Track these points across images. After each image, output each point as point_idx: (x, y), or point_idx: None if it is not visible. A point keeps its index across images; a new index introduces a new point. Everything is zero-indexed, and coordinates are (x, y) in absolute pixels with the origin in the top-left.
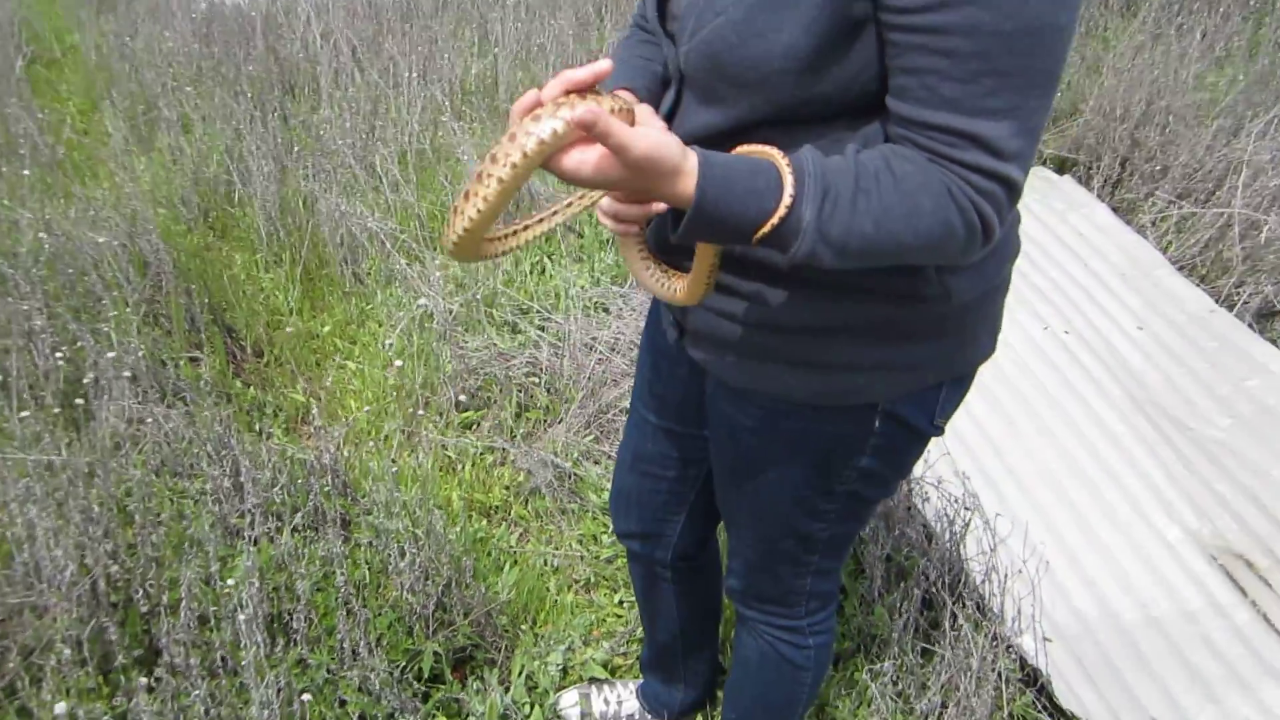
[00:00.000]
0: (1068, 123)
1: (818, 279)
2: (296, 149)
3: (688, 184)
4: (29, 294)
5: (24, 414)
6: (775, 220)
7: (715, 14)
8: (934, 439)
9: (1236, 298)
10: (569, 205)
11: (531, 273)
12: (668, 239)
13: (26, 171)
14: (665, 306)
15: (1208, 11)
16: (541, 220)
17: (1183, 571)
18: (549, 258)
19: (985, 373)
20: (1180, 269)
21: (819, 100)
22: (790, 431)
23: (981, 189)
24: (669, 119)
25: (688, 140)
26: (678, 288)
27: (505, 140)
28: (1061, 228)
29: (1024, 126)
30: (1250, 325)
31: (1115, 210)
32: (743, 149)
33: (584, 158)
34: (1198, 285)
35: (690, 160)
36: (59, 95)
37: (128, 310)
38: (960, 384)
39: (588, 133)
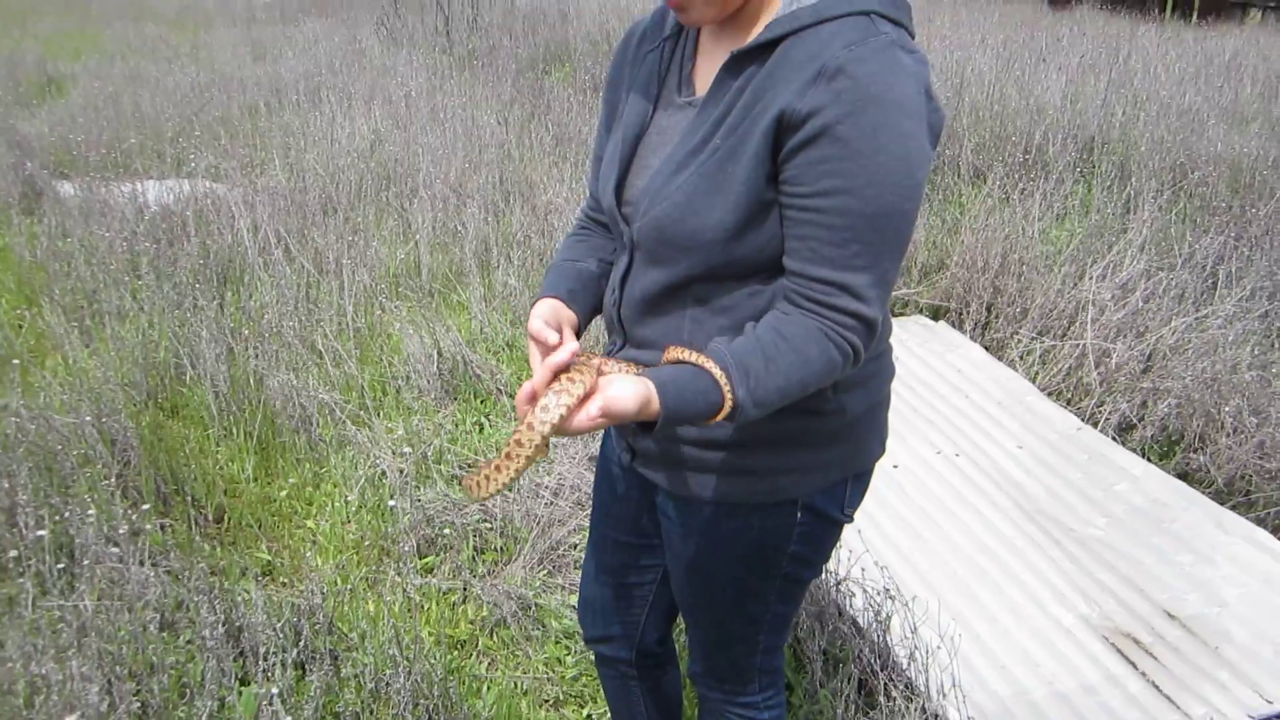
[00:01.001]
0: (937, 276)
1: None
2: (245, 333)
3: (654, 407)
4: (13, 472)
5: (20, 579)
6: (724, 410)
7: (664, 199)
8: (846, 525)
9: (1099, 415)
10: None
11: (472, 430)
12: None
13: None
14: (617, 435)
15: (1044, 178)
16: (513, 459)
17: (1080, 651)
18: (486, 418)
19: (891, 493)
20: (1048, 394)
21: (741, 261)
22: (731, 529)
23: (847, 325)
24: (624, 279)
25: (639, 296)
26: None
27: (524, 427)
28: (942, 366)
29: (880, 279)
30: (1113, 438)
31: (987, 348)
32: (671, 355)
33: (589, 419)
34: (1064, 407)
35: (650, 388)
36: None
37: (105, 484)
38: (860, 479)
39: (606, 420)
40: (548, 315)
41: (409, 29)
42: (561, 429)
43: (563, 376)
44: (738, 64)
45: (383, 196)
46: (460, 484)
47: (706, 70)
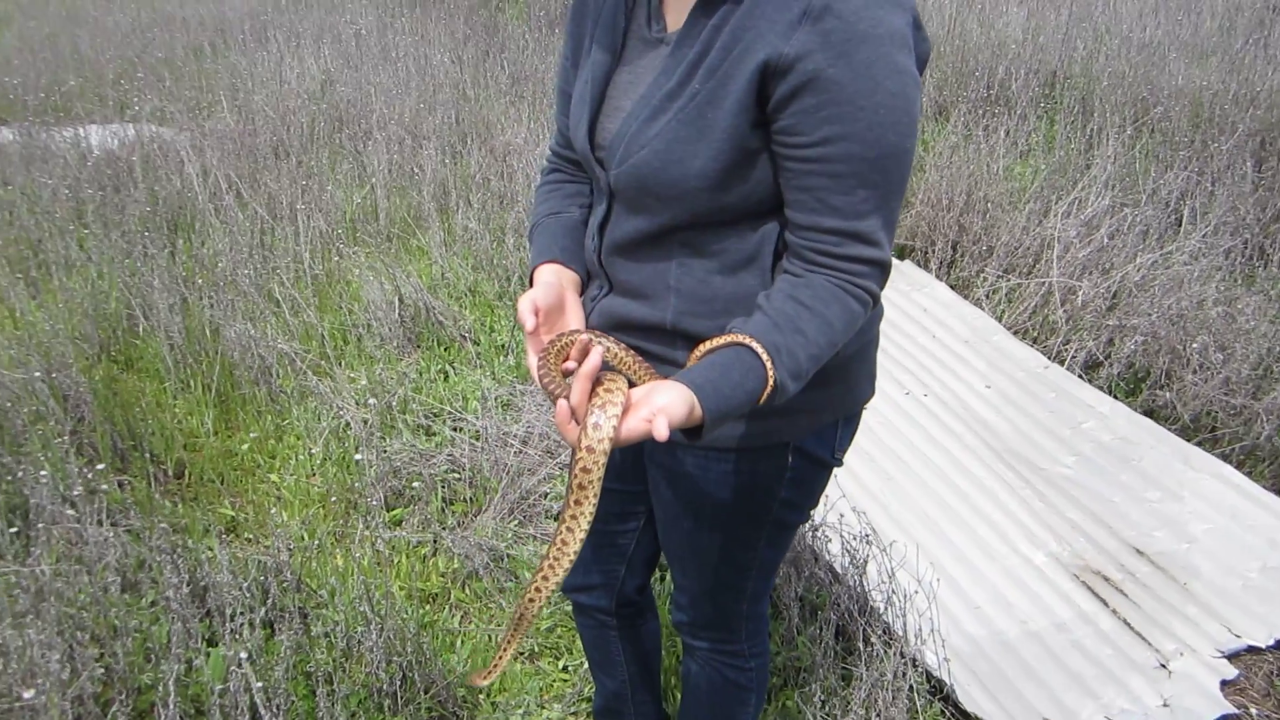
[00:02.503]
0: (902, 214)
1: None
2: (198, 282)
3: (696, 413)
4: None
5: None
6: (765, 394)
7: (641, 146)
8: (836, 469)
9: (1065, 353)
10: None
11: (437, 378)
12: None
13: None
14: None
15: (1007, 114)
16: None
17: (1051, 590)
18: (450, 365)
19: (862, 435)
20: (1015, 333)
21: (727, 209)
22: (721, 474)
23: (863, 274)
24: (601, 227)
25: (622, 241)
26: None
27: (584, 452)
28: (909, 306)
29: (887, 220)
30: (1080, 375)
31: (953, 287)
32: (700, 349)
33: (642, 422)
34: (1031, 345)
35: (691, 395)
36: None
37: (60, 440)
38: (851, 421)
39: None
40: (546, 292)
41: None
42: (616, 442)
43: (598, 389)
44: (712, 1)
45: (336, 139)
46: (541, 570)
47: (677, 4)
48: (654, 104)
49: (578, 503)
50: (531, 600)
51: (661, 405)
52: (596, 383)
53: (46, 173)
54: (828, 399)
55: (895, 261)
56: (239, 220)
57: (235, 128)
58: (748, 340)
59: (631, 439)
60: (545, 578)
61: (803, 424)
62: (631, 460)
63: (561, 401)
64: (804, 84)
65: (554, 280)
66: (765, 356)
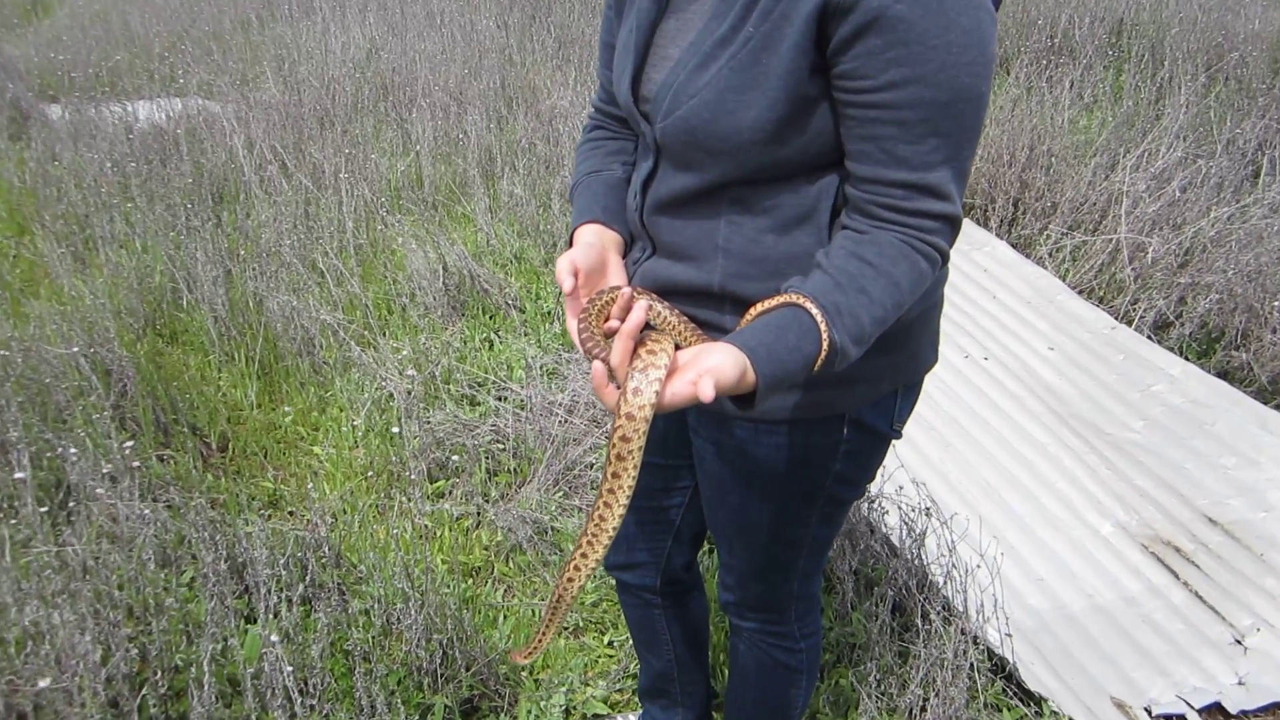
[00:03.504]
0: None
1: None
2: (241, 254)
3: (749, 377)
4: (3, 407)
5: (12, 521)
6: (822, 358)
7: (689, 96)
8: (894, 441)
9: (1133, 313)
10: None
11: (481, 347)
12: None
13: None
14: None
15: (1072, 64)
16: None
17: (1119, 561)
18: (495, 334)
19: (920, 403)
20: (1080, 292)
21: (783, 162)
22: (771, 447)
23: (932, 229)
24: (646, 183)
25: (667, 199)
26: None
27: (623, 420)
28: (968, 266)
29: (959, 171)
30: (1149, 337)
31: (1014, 245)
32: (753, 311)
33: (688, 386)
34: (1097, 305)
35: (744, 358)
36: None
37: (101, 416)
38: (911, 391)
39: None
40: (586, 252)
41: None
42: (658, 407)
43: (640, 350)
44: None
45: (380, 107)
46: (580, 547)
47: None
48: (704, 51)
49: (615, 475)
50: (570, 580)
51: (710, 367)
52: (640, 344)
53: (94, 148)
54: (888, 367)
55: None
56: (283, 191)
57: (280, 99)
58: (804, 301)
59: (676, 405)
60: (584, 555)
61: (860, 394)
62: (675, 432)
63: (598, 363)
64: (869, 23)
65: (595, 241)
66: (822, 319)
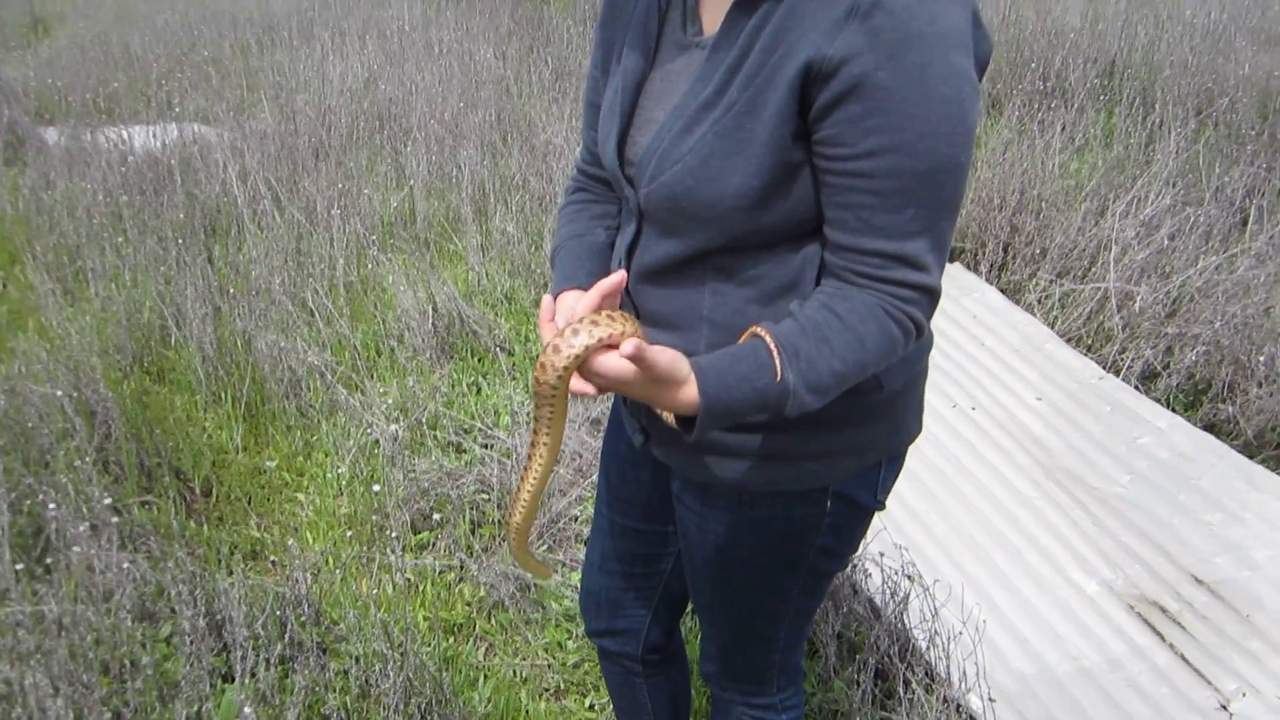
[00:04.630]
0: None
1: None
2: (231, 290)
3: (691, 392)
4: None
5: None
6: (773, 398)
7: (674, 161)
8: (877, 513)
9: (1121, 363)
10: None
11: (468, 392)
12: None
13: None
14: (629, 413)
15: (1064, 107)
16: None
17: (1104, 622)
18: (483, 377)
19: (908, 453)
20: (1068, 341)
21: (767, 230)
22: (755, 519)
23: (908, 299)
24: (630, 251)
25: (652, 268)
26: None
27: (542, 361)
28: (957, 311)
29: (937, 243)
30: (1136, 387)
31: (1004, 291)
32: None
33: (618, 362)
34: (1085, 354)
35: (687, 367)
36: None
37: (84, 461)
38: (895, 462)
39: (634, 363)
40: (563, 307)
41: None
42: (585, 370)
43: (601, 314)
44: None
45: (376, 139)
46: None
47: (715, 3)
48: (688, 115)
49: (535, 432)
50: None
51: (648, 347)
52: (599, 311)
53: (88, 177)
54: (871, 438)
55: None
56: (275, 225)
57: (276, 128)
58: (765, 335)
59: (604, 374)
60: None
61: (844, 466)
62: (659, 500)
63: (547, 297)
64: (849, 89)
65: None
66: (779, 356)
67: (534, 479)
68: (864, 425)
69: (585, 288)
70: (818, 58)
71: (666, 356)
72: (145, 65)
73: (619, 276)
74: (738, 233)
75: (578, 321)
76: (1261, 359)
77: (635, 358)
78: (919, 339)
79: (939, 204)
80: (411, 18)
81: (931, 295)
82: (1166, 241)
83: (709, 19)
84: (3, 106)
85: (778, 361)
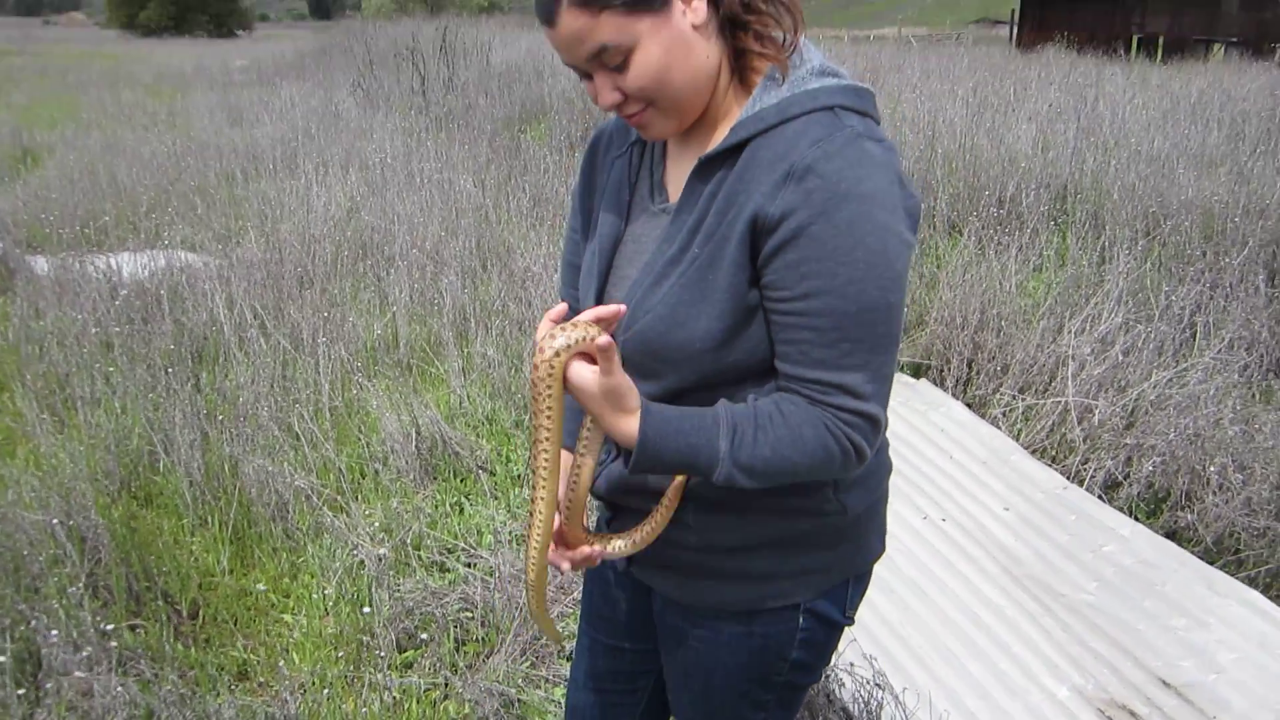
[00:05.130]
0: (917, 332)
1: (747, 505)
2: (219, 417)
3: (633, 425)
4: None
5: None
6: (705, 462)
7: (645, 311)
8: (847, 628)
9: (1084, 473)
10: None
11: (451, 512)
12: (621, 486)
13: None
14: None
15: (1019, 229)
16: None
17: None
18: (465, 497)
19: (879, 563)
20: (1032, 452)
21: (732, 368)
22: (732, 636)
23: (848, 423)
24: None
25: None
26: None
27: (542, 342)
28: (925, 425)
29: (876, 375)
30: (1100, 496)
31: (969, 406)
32: None
33: (576, 369)
34: (1049, 465)
35: (639, 405)
36: None
37: (76, 586)
38: (862, 579)
39: (596, 351)
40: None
41: (385, 90)
42: (569, 377)
43: (586, 323)
44: (707, 168)
45: (359, 267)
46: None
47: (677, 175)
48: (657, 270)
49: (536, 428)
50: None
51: (618, 369)
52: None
53: (77, 306)
54: (838, 558)
55: (911, 381)
56: (262, 352)
57: (262, 256)
58: (719, 408)
59: (578, 381)
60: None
61: (813, 584)
62: (641, 619)
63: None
64: (788, 240)
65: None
66: (720, 426)
67: (538, 534)
68: (832, 546)
69: (569, 447)
70: (761, 213)
71: (627, 380)
72: (133, 195)
73: (617, 308)
74: (707, 371)
75: (566, 326)
76: (1214, 469)
77: (607, 350)
78: (860, 462)
79: (873, 339)
80: (393, 148)
81: (870, 422)
82: (1121, 357)
83: (674, 189)
84: None
85: (719, 430)
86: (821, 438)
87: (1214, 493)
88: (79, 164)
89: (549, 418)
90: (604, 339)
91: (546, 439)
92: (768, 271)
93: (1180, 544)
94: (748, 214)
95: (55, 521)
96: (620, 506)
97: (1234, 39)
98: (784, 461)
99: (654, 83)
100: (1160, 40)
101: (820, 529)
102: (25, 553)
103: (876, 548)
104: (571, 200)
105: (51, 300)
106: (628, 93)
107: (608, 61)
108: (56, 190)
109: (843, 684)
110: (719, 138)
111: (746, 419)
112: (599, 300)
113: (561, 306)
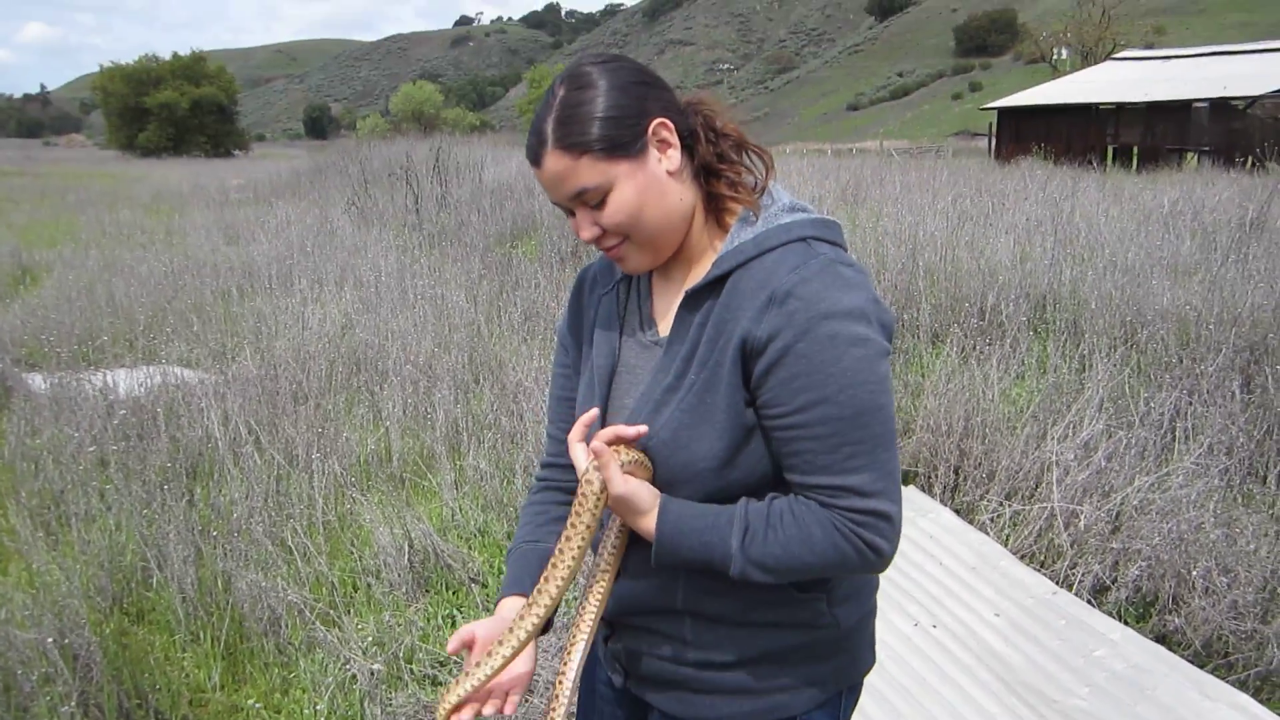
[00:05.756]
0: (904, 440)
1: (743, 619)
2: (213, 532)
3: (650, 524)
4: None
5: None
6: (720, 556)
7: (649, 437)
8: None
9: (1073, 578)
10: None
11: (443, 625)
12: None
13: None
14: (609, 654)
15: (1000, 338)
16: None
17: None
18: (458, 610)
19: (873, 673)
20: (1021, 557)
21: (735, 485)
22: None
23: (860, 522)
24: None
25: (637, 537)
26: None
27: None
28: (915, 532)
29: (881, 473)
30: (1089, 601)
31: (957, 512)
32: None
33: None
34: (1038, 570)
35: (657, 505)
36: None
37: (69, 705)
38: (854, 690)
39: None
40: (495, 625)
41: (379, 208)
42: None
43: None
44: (695, 300)
45: (353, 382)
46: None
47: (664, 308)
48: (655, 398)
49: (567, 538)
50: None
51: (634, 486)
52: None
53: (74, 424)
54: (831, 671)
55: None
56: (256, 467)
57: (257, 372)
58: (737, 506)
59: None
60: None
61: (808, 697)
62: None
63: (466, 628)
64: (777, 359)
65: (510, 617)
66: (735, 524)
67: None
68: (826, 659)
69: (527, 594)
70: (749, 336)
71: (630, 486)
72: (130, 313)
73: (640, 429)
74: (710, 490)
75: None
76: (1199, 572)
77: (599, 461)
78: (880, 559)
79: (872, 440)
80: (387, 265)
81: (882, 518)
82: (1104, 463)
83: (663, 322)
84: None
85: (733, 528)
86: (831, 538)
87: (1200, 596)
88: (77, 283)
89: (575, 544)
90: (593, 447)
91: (569, 564)
92: (762, 391)
93: (1170, 648)
94: (737, 339)
95: (50, 640)
96: (619, 625)
97: (1205, 148)
98: (795, 559)
99: (629, 220)
100: (1135, 150)
101: (814, 642)
102: (18, 672)
103: (868, 659)
104: (558, 338)
105: (48, 418)
106: (606, 228)
107: (588, 200)
108: (54, 309)
109: None
110: (700, 272)
111: (759, 517)
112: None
113: (593, 412)
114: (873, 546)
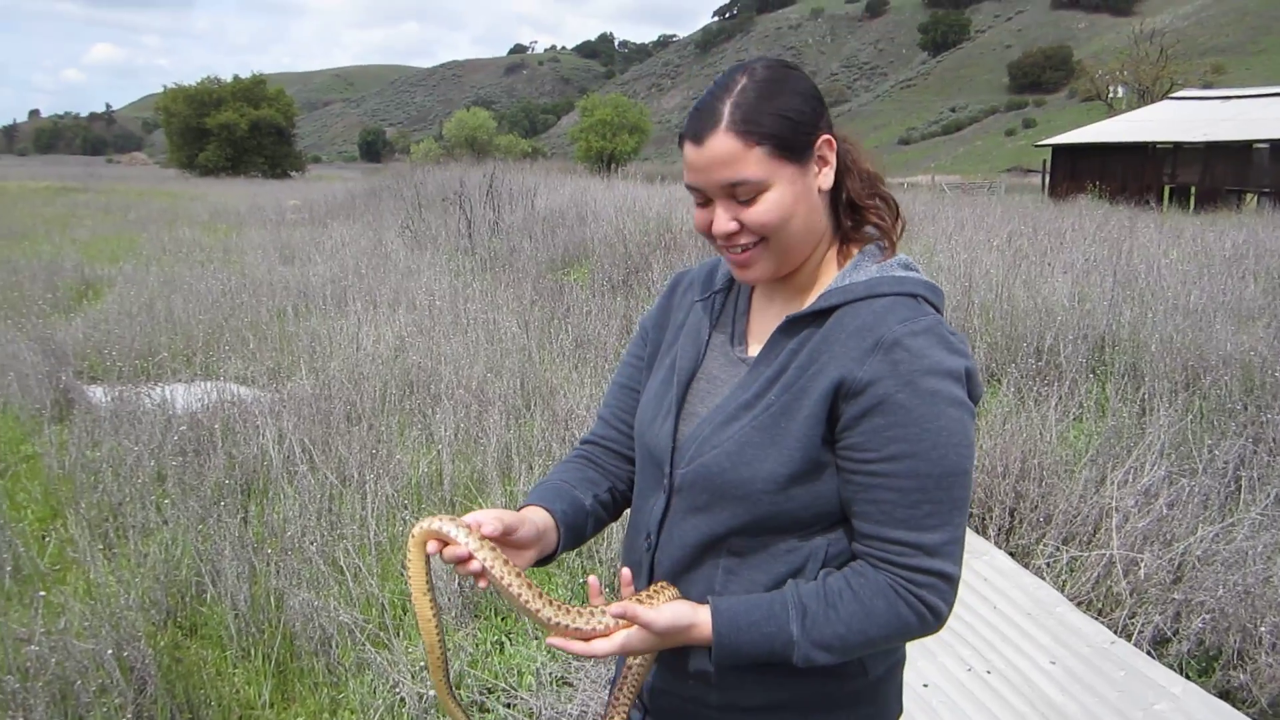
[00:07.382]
0: None
1: (769, 665)
2: (267, 550)
3: (704, 632)
4: (30, 705)
5: None
6: (776, 644)
7: (713, 447)
8: None
9: (1132, 628)
10: None
11: (493, 651)
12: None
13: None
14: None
15: (1057, 379)
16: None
17: None
18: (507, 636)
19: (923, 715)
20: (1078, 604)
21: (785, 515)
22: None
23: (922, 584)
24: (660, 524)
25: (679, 544)
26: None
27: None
28: (968, 574)
29: (952, 536)
30: (1149, 652)
31: (1012, 555)
32: None
33: (628, 638)
34: (1096, 618)
35: (702, 613)
36: (15, 504)
37: (123, 717)
38: None
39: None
40: (519, 522)
41: (432, 231)
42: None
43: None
44: (794, 326)
45: (406, 404)
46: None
47: (759, 328)
48: (729, 411)
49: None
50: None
51: (649, 615)
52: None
53: (133, 438)
54: (861, 718)
55: None
56: (310, 486)
57: (311, 392)
58: (788, 590)
59: (623, 647)
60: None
61: None
62: None
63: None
64: (874, 405)
65: (536, 521)
66: (790, 610)
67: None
68: (852, 707)
69: (556, 520)
70: (849, 377)
71: (665, 615)
72: (188, 329)
73: (624, 578)
74: (761, 514)
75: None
76: (1265, 628)
77: (626, 616)
78: (938, 622)
79: (951, 502)
80: (440, 289)
81: (949, 581)
82: (1166, 510)
83: (753, 340)
84: (57, 368)
85: (789, 614)
86: (894, 606)
87: (1267, 653)
88: (138, 298)
89: (548, 610)
90: (616, 607)
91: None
92: (851, 434)
93: (1234, 704)
94: (833, 375)
95: (109, 652)
96: (654, 709)
97: (1266, 189)
98: (859, 635)
99: (777, 223)
100: (1192, 190)
101: (841, 691)
102: (76, 682)
103: (895, 709)
104: (639, 328)
105: (108, 430)
106: (747, 226)
107: (739, 194)
108: (116, 323)
109: None
110: (805, 300)
111: (816, 599)
112: (675, 431)
113: (626, 573)
114: (932, 608)
